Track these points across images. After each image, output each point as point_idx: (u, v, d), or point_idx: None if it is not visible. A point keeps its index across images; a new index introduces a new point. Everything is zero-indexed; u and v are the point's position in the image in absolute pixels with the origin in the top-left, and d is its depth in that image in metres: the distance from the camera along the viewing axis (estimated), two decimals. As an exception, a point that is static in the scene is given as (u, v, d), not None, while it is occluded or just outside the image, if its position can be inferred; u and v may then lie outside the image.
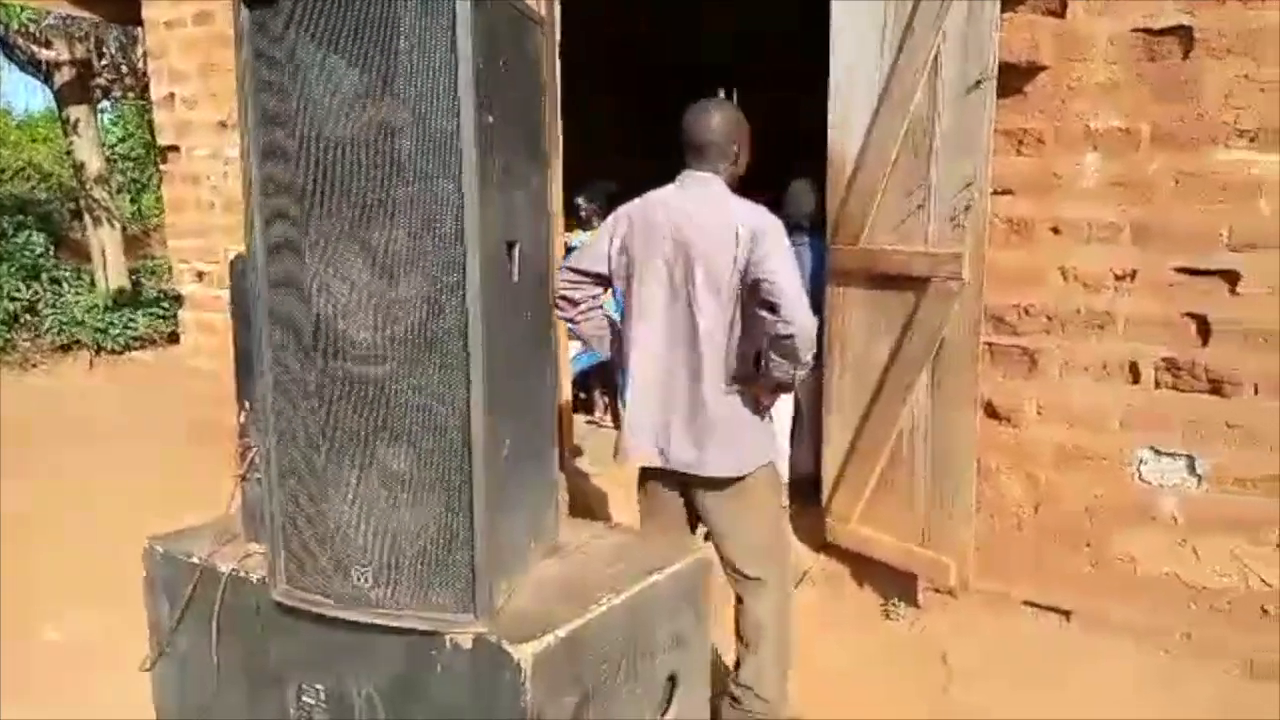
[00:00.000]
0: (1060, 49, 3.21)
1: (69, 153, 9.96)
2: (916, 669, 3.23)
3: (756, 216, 2.53)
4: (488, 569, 1.51)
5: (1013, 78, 3.25)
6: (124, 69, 10.62)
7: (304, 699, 1.71)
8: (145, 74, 7.38)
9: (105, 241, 9.47)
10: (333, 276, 1.52)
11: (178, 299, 6.14)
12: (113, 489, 4.60)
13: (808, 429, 4.25)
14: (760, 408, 2.64)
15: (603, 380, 5.80)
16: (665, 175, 2.65)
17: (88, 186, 9.41)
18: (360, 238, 1.50)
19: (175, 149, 5.68)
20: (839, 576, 3.80)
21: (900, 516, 3.52)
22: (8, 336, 8.19)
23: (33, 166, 13.63)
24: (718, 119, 2.61)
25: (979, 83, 3.08)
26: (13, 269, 8.79)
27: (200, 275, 5.76)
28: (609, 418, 5.86)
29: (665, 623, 1.86)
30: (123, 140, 13.59)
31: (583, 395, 5.96)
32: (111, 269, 9.45)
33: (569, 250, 5.22)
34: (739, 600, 2.71)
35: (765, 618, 2.69)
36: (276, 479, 1.61)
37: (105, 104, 12.39)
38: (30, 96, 41.69)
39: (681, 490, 2.68)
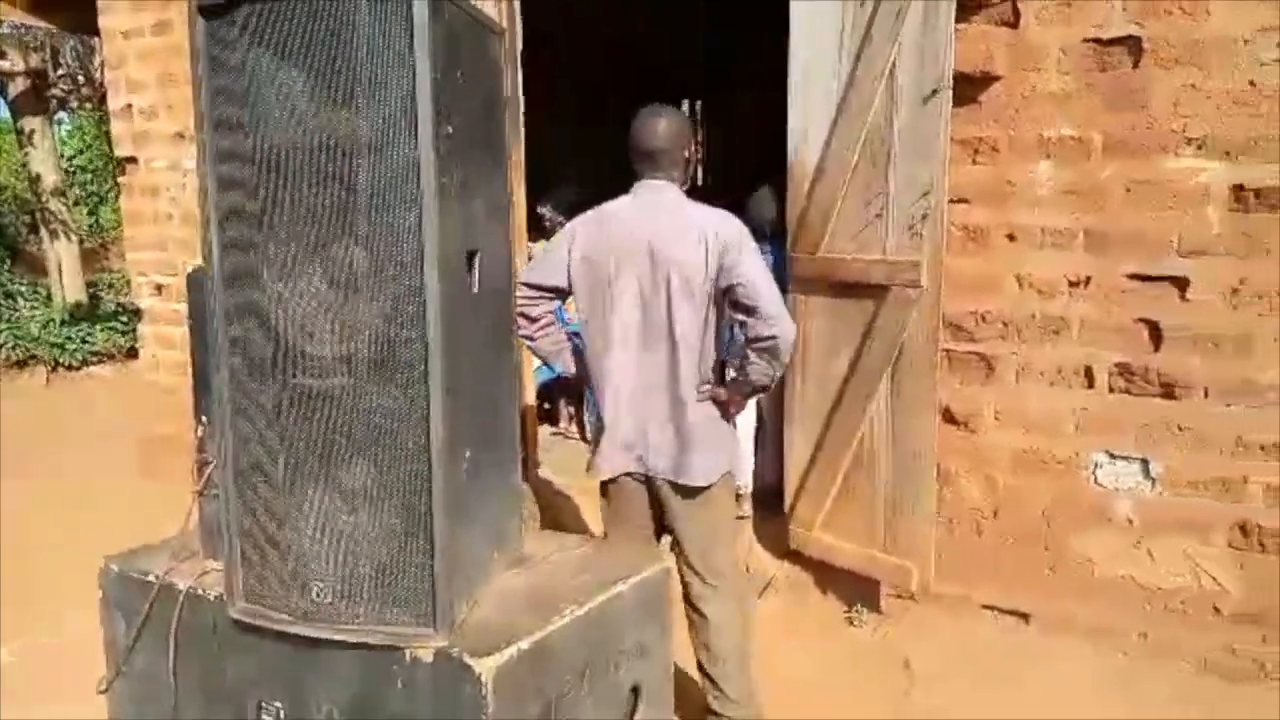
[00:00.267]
0: (1014, 59, 3.26)
1: (24, 165, 9.81)
2: (879, 674, 3.25)
3: (722, 221, 2.55)
4: (448, 582, 1.51)
5: (968, 87, 3.30)
6: (81, 79, 10.48)
7: (263, 717, 1.69)
8: (103, 84, 7.29)
9: (62, 255, 9.33)
10: (290, 290, 1.51)
11: (136, 313, 6.07)
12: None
13: (770, 437, 4.27)
14: (729, 415, 2.66)
15: (567, 390, 5.80)
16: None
17: (44, 199, 9.27)
18: (318, 250, 1.49)
19: (133, 160, 5.61)
20: (803, 584, 3.82)
21: (862, 523, 3.55)
22: (-39, 353, 8.06)
23: (-13, 179, 13.42)
24: (667, 125, 2.59)
25: (935, 92, 3.12)
26: (-34, 284, 8.65)
27: (159, 289, 5.68)
28: (574, 428, 5.86)
29: (629, 633, 1.86)
30: (81, 152, 13.41)
31: (547, 405, 5.94)
32: (68, 283, 9.32)
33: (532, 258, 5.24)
34: (697, 610, 2.71)
35: (730, 623, 2.70)
36: (234, 495, 1.60)
37: (62, 115, 12.22)
38: (-17, 107, 40.83)
39: (651, 499, 2.68)
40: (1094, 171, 3.19)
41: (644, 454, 2.61)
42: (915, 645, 3.36)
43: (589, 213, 2.64)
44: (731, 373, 2.63)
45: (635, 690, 1.88)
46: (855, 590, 3.65)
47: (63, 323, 8.45)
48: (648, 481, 2.64)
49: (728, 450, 2.67)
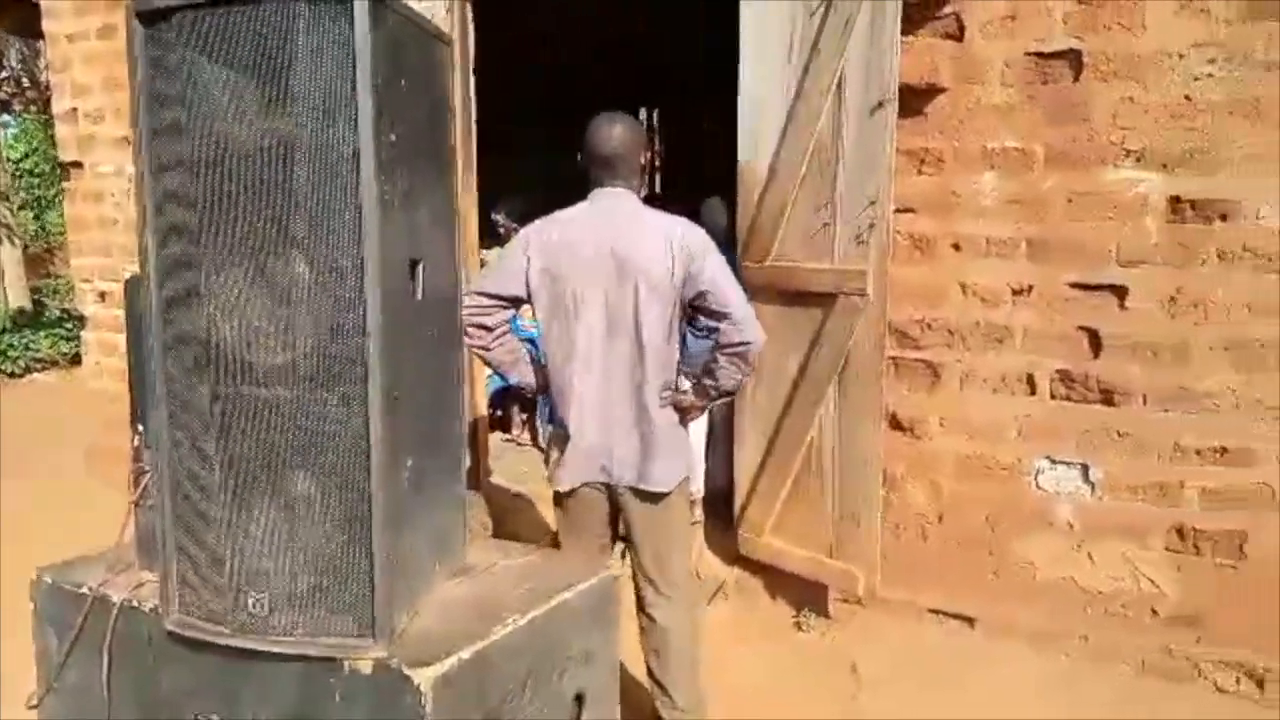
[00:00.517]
0: (958, 72, 3.32)
1: (-33, 168, 9.60)
2: (827, 678, 3.28)
3: (685, 227, 2.56)
4: (388, 592, 1.50)
5: (914, 99, 3.35)
6: (25, 82, 10.27)
7: (200, 730, 1.67)
8: (48, 87, 7.16)
9: (5, 260, 9.14)
10: (229, 298, 1.50)
11: (80, 319, 5.95)
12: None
13: (721, 442, 4.29)
14: (686, 420, 2.67)
15: (520, 397, 5.78)
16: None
17: (-13, 203, 9.09)
18: (257, 258, 1.48)
19: (78, 165, 5.51)
20: (752, 589, 3.84)
21: (810, 528, 3.58)
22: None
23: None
24: (625, 132, 2.59)
25: (881, 104, 3.17)
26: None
27: (103, 295, 5.59)
28: (527, 435, 5.84)
29: (573, 641, 1.86)
30: (27, 155, 13.13)
31: (499, 412, 5.92)
32: (12, 288, 9.13)
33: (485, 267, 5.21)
34: (649, 617, 2.71)
35: (681, 630, 2.70)
36: (170, 505, 1.57)
37: (7, 118, 11.97)
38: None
39: (610, 508, 2.67)
40: (1036, 182, 3.25)
41: (608, 463, 2.59)
42: (862, 649, 3.40)
43: (544, 220, 2.61)
44: (687, 382, 2.64)
45: (579, 698, 1.88)
46: (804, 595, 3.68)
47: (5, 329, 8.26)
48: (608, 490, 2.63)
49: (685, 455, 2.69)
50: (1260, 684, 3.12)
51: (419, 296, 1.63)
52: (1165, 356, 3.13)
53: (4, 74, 9.97)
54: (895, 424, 3.59)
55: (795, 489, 3.63)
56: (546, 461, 2.73)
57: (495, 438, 5.67)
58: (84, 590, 1.78)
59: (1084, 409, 3.28)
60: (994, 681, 3.20)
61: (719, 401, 2.76)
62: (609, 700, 2.00)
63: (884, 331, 3.35)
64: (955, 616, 3.50)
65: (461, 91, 4.09)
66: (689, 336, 2.65)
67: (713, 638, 3.42)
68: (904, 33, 3.22)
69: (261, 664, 1.57)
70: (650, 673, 2.73)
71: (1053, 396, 3.33)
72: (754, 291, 3.65)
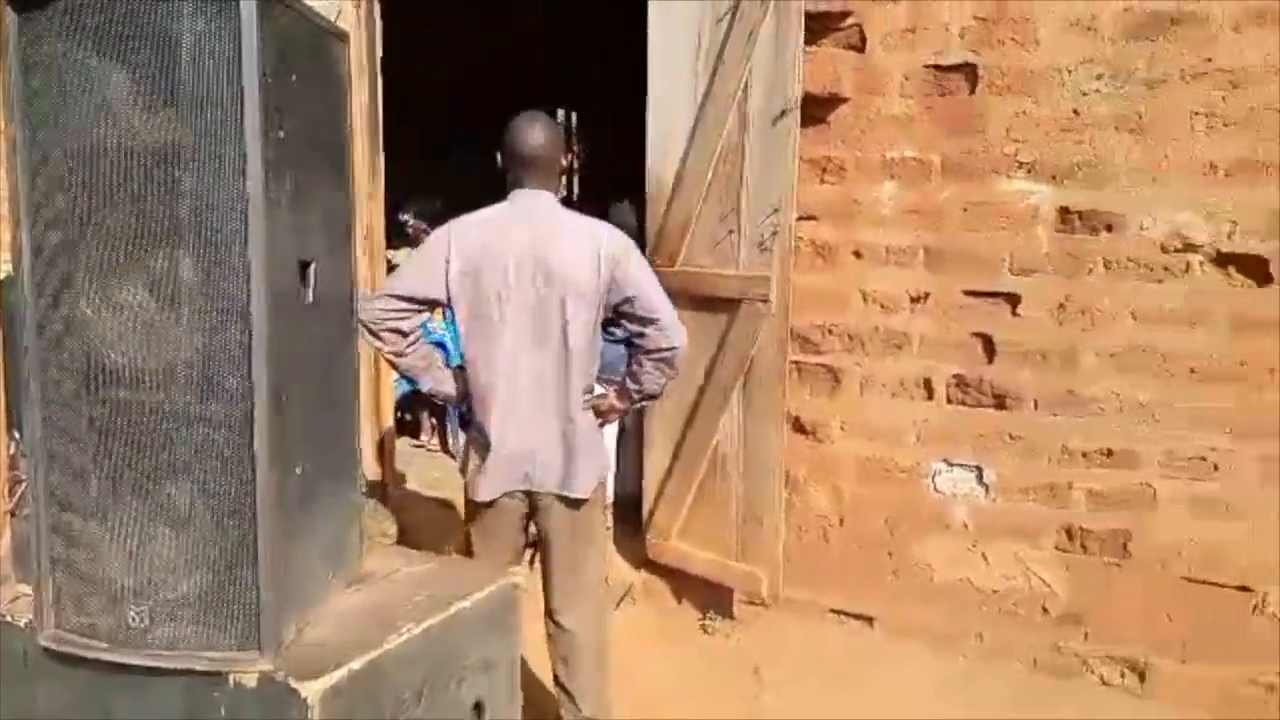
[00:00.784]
0: (860, 82, 3.39)
1: None
2: (732, 680, 3.30)
3: (608, 231, 2.55)
4: (275, 603, 1.45)
5: (817, 108, 3.41)
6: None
7: (77, 749, 1.60)
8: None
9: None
10: (108, 300, 1.44)
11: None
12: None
13: (630, 447, 4.30)
14: (603, 424, 2.67)
15: (429, 402, 5.70)
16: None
17: None
18: (138, 258, 1.42)
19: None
20: (660, 593, 3.86)
21: (716, 531, 3.61)
22: None
23: None
24: (547, 133, 2.56)
25: (784, 113, 3.21)
26: None
27: (-18, 293, 5.32)
28: (436, 440, 5.76)
29: (472, 649, 1.84)
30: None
31: (408, 417, 5.83)
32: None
33: (393, 268, 5.11)
34: (558, 624, 2.69)
35: (591, 636, 2.69)
36: (46, 515, 1.50)
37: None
38: None
39: (527, 515, 2.63)
40: (934, 193, 3.34)
41: (531, 470, 2.54)
42: (766, 651, 3.44)
43: (462, 221, 2.54)
44: (600, 386, 2.63)
45: (479, 706, 1.85)
46: (710, 598, 3.71)
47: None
48: (527, 497, 2.59)
49: (604, 459, 2.68)
50: (1142, 677, 3.25)
51: (310, 299, 1.59)
52: (1054, 362, 3.25)
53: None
54: (798, 428, 3.64)
55: (701, 493, 3.66)
56: (463, 469, 2.65)
57: (404, 443, 5.59)
58: (-49, 606, 1.69)
59: (978, 413, 3.37)
60: (893, 680, 3.27)
61: (638, 405, 2.76)
62: (510, 708, 1.98)
63: (786, 337, 3.40)
64: (856, 617, 3.57)
65: (368, 90, 4.01)
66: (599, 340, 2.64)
67: (620, 642, 3.41)
68: (807, 43, 3.27)
69: (141, 679, 1.51)
70: (557, 679, 2.71)
71: (949, 401, 3.42)
72: (663, 296, 3.69)
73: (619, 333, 2.70)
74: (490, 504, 2.58)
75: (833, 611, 3.59)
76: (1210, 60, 2.96)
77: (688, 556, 3.72)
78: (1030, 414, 3.30)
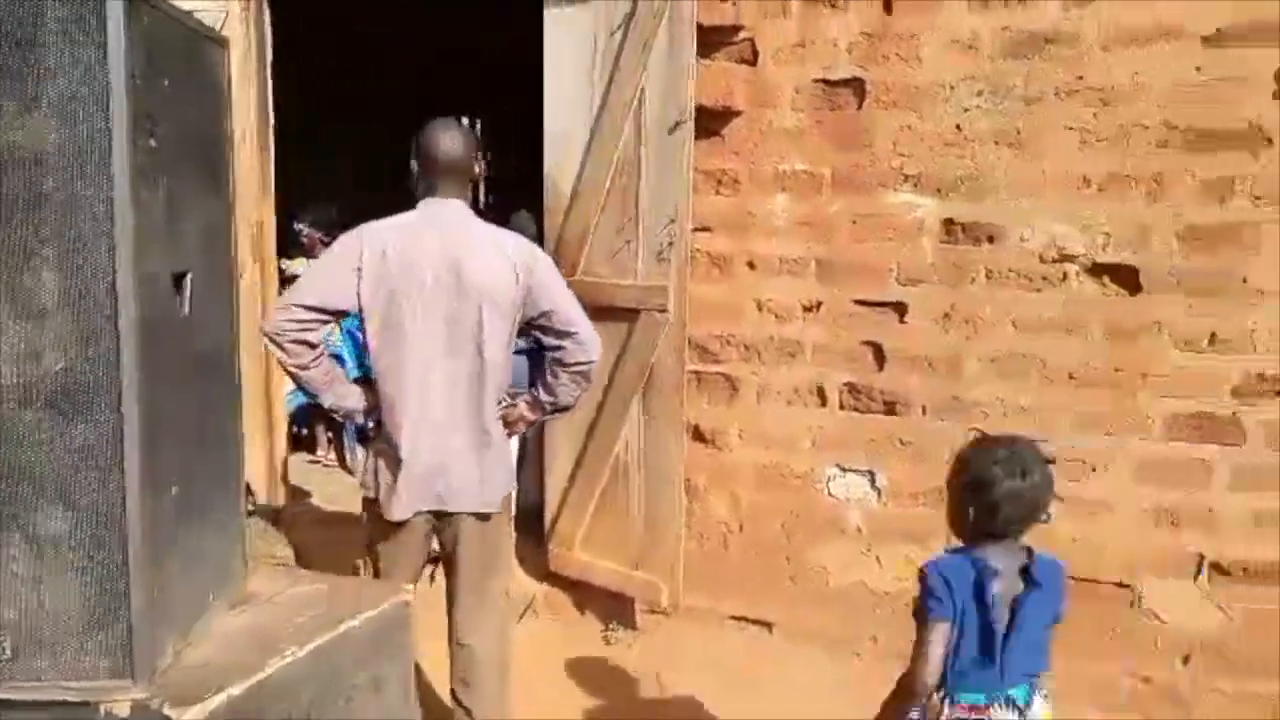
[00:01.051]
0: (753, 95, 3.44)
1: None
2: (634, 690, 3.31)
3: (523, 243, 2.54)
4: (149, 628, 1.40)
5: (711, 121, 3.45)
6: None
7: (-67, 790, 1.51)
8: None
9: None
10: (-33, 313, 1.37)
11: None
12: None
13: (532, 457, 4.28)
14: (510, 436, 2.64)
15: (327, 415, 5.56)
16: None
17: None
18: (1, 271, 1.36)
19: None
20: (562, 604, 3.84)
21: (617, 541, 3.61)
22: None
23: None
24: (463, 141, 2.52)
25: (678, 124, 3.25)
26: None
27: None
28: (333, 455, 5.63)
29: (361, 669, 1.79)
30: None
31: (304, 432, 5.69)
32: None
33: (288, 279, 4.99)
34: (460, 642, 2.64)
35: (494, 654, 2.66)
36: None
37: None
38: None
39: (434, 531, 2.57)
40: (824, 205, 3.40)
41: (444, 489, 2.48)
42: (667, 659, 3.45)
43: (371, 228, 2.45)
44: (507, 398, 2.62)
45: (369, 728, 1.81)
46: (612, 608, 3.71)
47: None
48: (434, 514, 2.53)
49: (512, 471, 2.64)
50: (1028, 671, 3.36)
51: (185, 311, 1.53)
52: (940, 368, 3.34)
53: None
54: (697, 436, 3.67)
55: (603, 502, 3.66)
56: (367, 486, 2.56)
57: (299, 459, 5.45)
58: None
59: (870, 419, 3.45)
60: (791, 684, 3.32)
61: (549, 417, 2.75)
62: (401, 727, 1.94)
63: (684, 346, 3.43)
64: (755, 622, 3.61)
65: (258, 95, 3.92)
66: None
67: (522, 656, 3.38)
68: (701, 55, 3.32)
69: (8, 713, 1.43)
70: (456, 698, 2.66)
71: (842, 407, 3.49)
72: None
73: (521, 343, 2.68)
74: (402, 523, 2.51)
75: (732, 618, 3.63)
76: (1082, 78, 3.09)
77: (590, 567, 3.71)
78: (919, 419, 3.39)
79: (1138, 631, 3.27)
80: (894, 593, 3.49)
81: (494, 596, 2.65)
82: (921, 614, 2.04)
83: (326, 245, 5.24)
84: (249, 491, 3.84)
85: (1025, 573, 1.98)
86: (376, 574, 2.59)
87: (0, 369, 1.36)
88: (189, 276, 1.55)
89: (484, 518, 2.55)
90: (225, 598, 1.77)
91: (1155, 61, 3.02)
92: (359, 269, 2.39)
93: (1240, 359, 3.07)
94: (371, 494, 2.53)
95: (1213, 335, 3.08)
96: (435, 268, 2.40)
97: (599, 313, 3.54)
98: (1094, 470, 3.24)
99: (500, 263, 2.45)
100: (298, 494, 4.83)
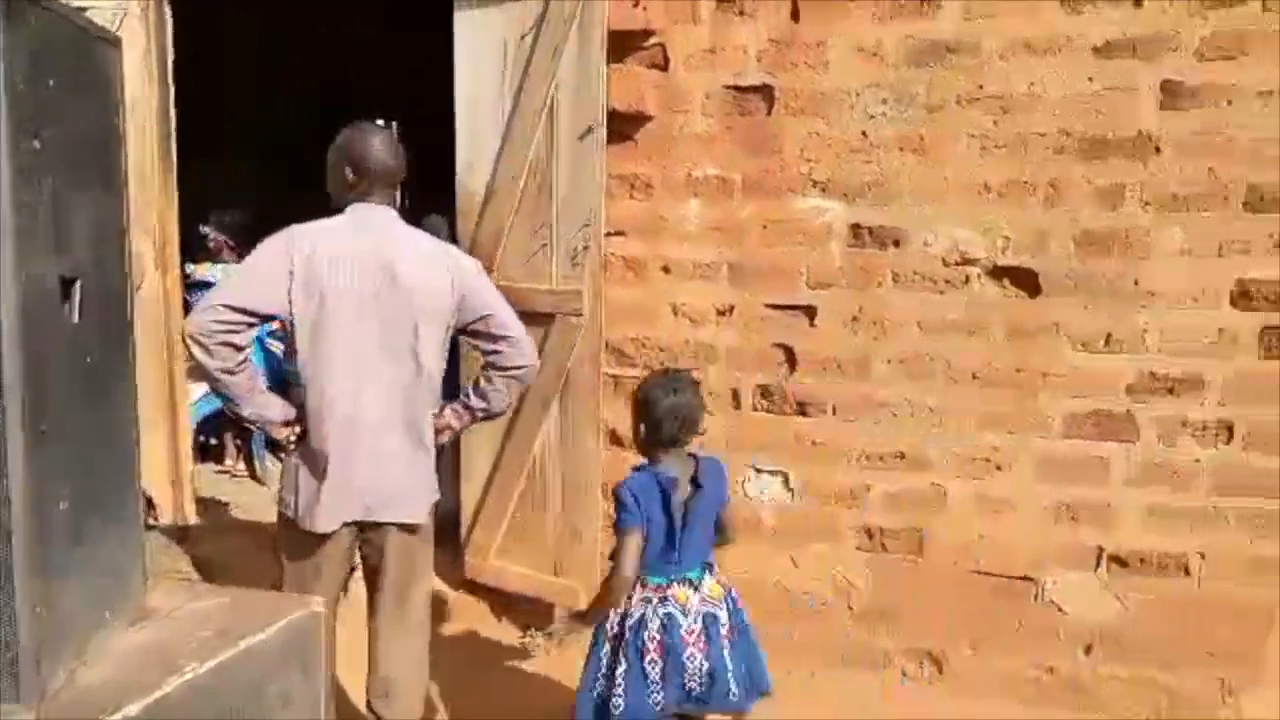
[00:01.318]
0: (664, 101, 3.46)
1: None
2: (552, 697, 3.29)
3: (449, 250, 2.54)
4: (35, 648, 1.34)
5: (624, 125, 3.46)
6: None
7: None
8: None
9: None
10: None
11: None
12: None
13: (449, 464, 4.23)
14: (436, 444, 2.61)
15: (236, 423, 5.43)
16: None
17: None
18: None
19: None
20: (480, 613, 3.81)
21: (535, 546, 3.60)
22: None
23: None
24: (393, 147, 2.51)
25: (590, 129, 3.26)
26: None
27: None
28: (242, 465, 5.50)
29: (268, 684, 1.75)
30: None
31: (212, 441, 5.54)
32: None
33: (195, 284, 4.87)
34: (381, 653, 2.61)
35: (413, 666, 2.64)
36: None
37: None
38: None
39: (354, 544, 2.53)
40: (735, 210, 3.44)
41: (372, 499, 2.44)
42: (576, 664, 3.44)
43: (299, 231, 2.40)
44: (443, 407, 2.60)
45: (276, 743, 1.77)
46: (530, 614, 3.69)
47: None
48: (359, 525, 2.48)
49: (435, 481, 2.61)
50: (940, 667, 3.46)
51: (75, 319, 1.48)
52: (850, 371, 3.41)
53: None
54: (615, 440, 3.67)
55: (520, 507, 3.65)
56: (286, 501, 2.50)
57: (206, 469, 5.32)
58: None
59: (783, 420, 3.50)
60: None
61: (478, 423, 2.73)
62: (310, 742, 1.90)
63: (600, 350, 3.44)
64: (673, 624, 3.63)
65: (159, 95, 3.81)
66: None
67: (440, 665, 3.36)
68: (613, 60, 3.33)
69: (-120, 743, 1.37)
70: (372, 708, 2.62)
71: (755, 409, 3.53)
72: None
73: None
74: (327, 535, 2.45)
75: (651, 620, 3.63)
76: (982, 87, 3.18)
77: (506, 573, 3.69)
78: (830, 420, 3.45)
79: (1042, 623, 3.38)
80: (810, 591, 3.54)
81: (415, 608, 2.62)
82: (618, 527, 2.49)
83: (234, 249, 5.16)
84: (150, 505, 3.73)
85: (694, 479, 2.50)
86: (294, 590, 2.52)
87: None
88: (78, 283, 1.49)
89: (411, 529, 2.52)
90: (123, 615, 1.71)
91: (1050, 71, 3.13)
92: (290, 271, 2.34)
93: (1134, 358, 3.19)
94: (291, 507, 2.47)
95: (1108, 336, 3.20)
96: (369, 272, 2.37)
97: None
98: (998, 469, 3.34)
99: (434, 269, 2.44)
100: (207, 505, 4.71)
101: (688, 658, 2.43)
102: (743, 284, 3.46)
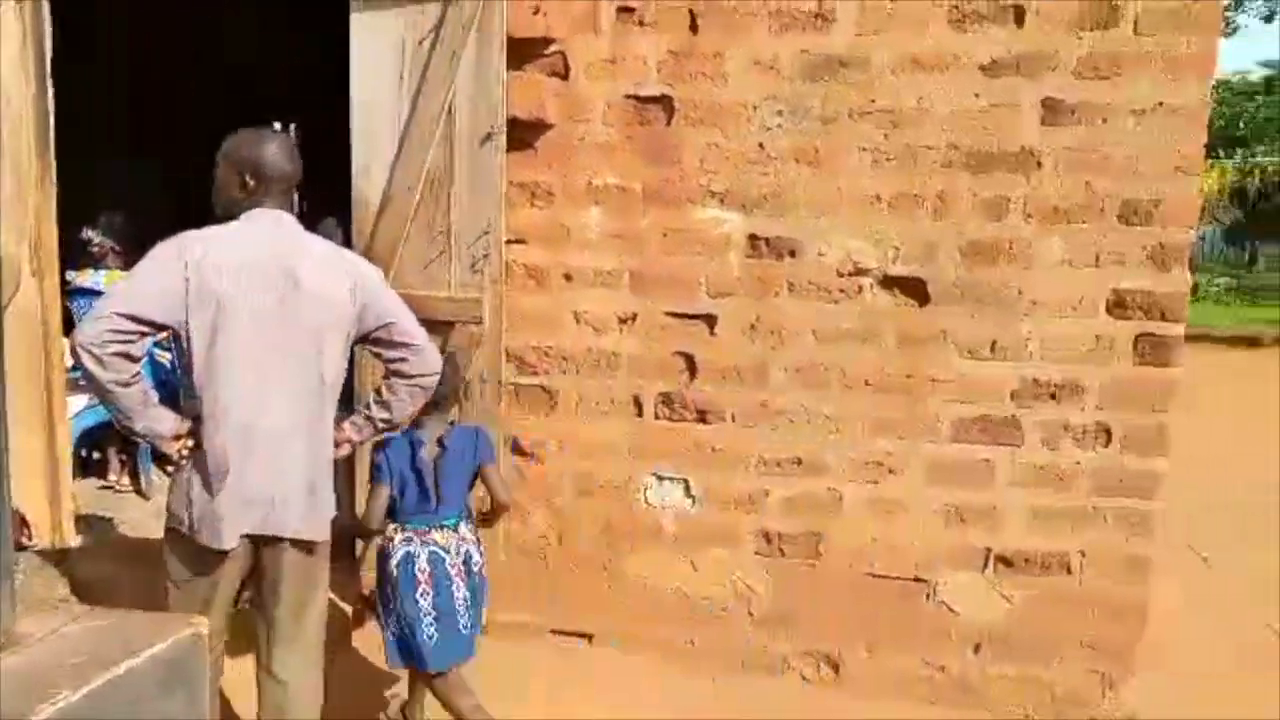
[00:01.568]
0: (565, 109, 3.46)
1: None
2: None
3: (350, 256, 2.50)
4: (-113, 681, 1.27)
5: (524, 133, 3.44)
6: None
7: None
8: None
9: None
10: None
11: None
12: None
13: (343, 477, 4.14)
14: (335, 457, 2.56)
15: (120, 437, 5.22)
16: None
17: None
18: None
19: None
20: (376, 628, 3.73)
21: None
22: None
23: None
24: (289, 152, 2.46)
25: (489, 136, 3.24)
26: None
27: None
28: (127, 479, 5.28)
29: (146, 709, 1.69)
30: None
31: (95, 455, 5.31)
32: None
33: (75, 291, 4.66)
34: (273, 676, 2.53)
35: (308, 689, 2.58)
36: None
37: None
38: None
39: (249, 565, 2.45)
40: (636, 219, 3.46)
41: (270, 512, 2.37)
42: (484, 676, 3.40)
43: (193, 237, 2.33)
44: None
45: (157, 772, 1.71)
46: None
47: None
48: (255, 541, 2.40)
49: (333, 494, 2.55)
50: (837, 670, 3.53)
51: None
52: (749, 378, 3.45)
53: None
54: (517, 449, 3.66)
55: (417, 520, 3.58)
56: (179, 516, 2.41)
57: (89, 484, 5.10)
58: None
59: (684, 428, 3.53)
60: (612, 693, 3.36)
61: (379, 435, 2.68)
62: (195, 767, 1.84)
63: (501, 358, 3.42)
64: (575, 634, 3.64)
65: (36, 93, 3.64)
66: None
67: (334, 684, 3.28)
68: (513, 67, 3.32)
69: None
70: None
71: (657, 417, 3.55)
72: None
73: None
74: (224, 551, 2.37)
75: (553, 632, 3.64)
76: (874, 101, 3.26)
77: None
78: (729, 427, 3.49)
79: (934, 624, 3.47)
80: (711, 597, 3.58)
81: (310, 628, 2.56)
82: (370, 482, 2.93)
83: (120, 255, 4.97)
84: (23, 525, 3.57)
85: (440, 441, 2.86)
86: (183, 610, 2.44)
87: None
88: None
89: (309, 545, 2.46)
90: (-12, 641, 1.63)
91: (938, 88, 3.23)
92: (185, 279, 2.26)
93: (1018, 365, 3.32)
94: (184, 522, 2.38)
95: (993, 343, 3.31)
96: (269, 279, 2.32)
97: (412, 325, 3.50)
98: (891, 472, 3.42)
99: (335, 275, 2.40)
100: (89, 523, 4.51)
101: (455, 588, 2.86)
102: (644, 292, 3.48)
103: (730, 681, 3.50)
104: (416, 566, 2.83)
